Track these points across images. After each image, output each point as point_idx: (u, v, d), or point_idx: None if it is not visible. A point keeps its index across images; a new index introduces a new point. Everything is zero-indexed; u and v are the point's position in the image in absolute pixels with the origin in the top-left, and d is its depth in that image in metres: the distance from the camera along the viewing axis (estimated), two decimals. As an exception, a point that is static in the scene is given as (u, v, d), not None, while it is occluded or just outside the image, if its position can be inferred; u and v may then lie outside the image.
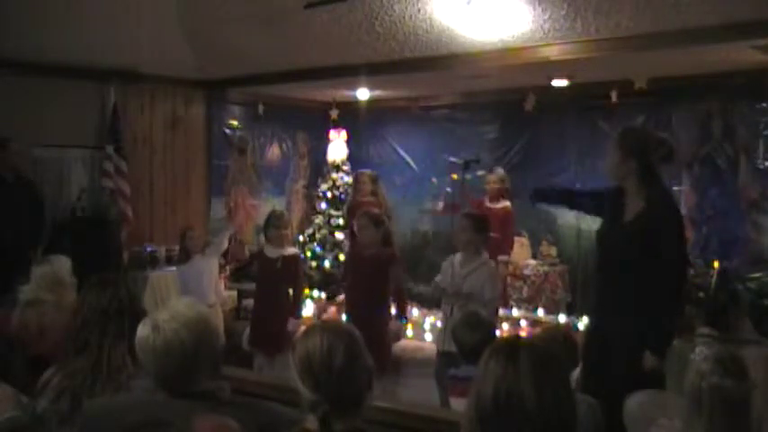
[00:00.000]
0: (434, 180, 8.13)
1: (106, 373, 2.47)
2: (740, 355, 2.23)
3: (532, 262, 7.19)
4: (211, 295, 5.86)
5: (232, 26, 6.41)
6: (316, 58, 6.55)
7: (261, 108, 8.21)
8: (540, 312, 6.38)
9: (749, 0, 4.45)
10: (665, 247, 3.36)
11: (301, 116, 8.84)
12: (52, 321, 3.12)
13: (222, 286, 6.63)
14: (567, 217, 7.26)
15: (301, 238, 8.39)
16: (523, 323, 6.07)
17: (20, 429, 2.30)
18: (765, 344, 4.18)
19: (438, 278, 4.65)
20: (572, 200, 4.18)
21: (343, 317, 5.16)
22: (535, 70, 6.03)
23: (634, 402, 2.68)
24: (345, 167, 8.46)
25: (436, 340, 4.78)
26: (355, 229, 5.22)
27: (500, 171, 6.71)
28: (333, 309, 6.13)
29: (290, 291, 5.31)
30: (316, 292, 7.36)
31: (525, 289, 6.99)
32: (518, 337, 1.70)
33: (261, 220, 6.45)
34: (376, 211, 5.47)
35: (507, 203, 6.59)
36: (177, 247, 6.99)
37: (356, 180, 7.28)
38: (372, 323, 4.51)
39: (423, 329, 5.92)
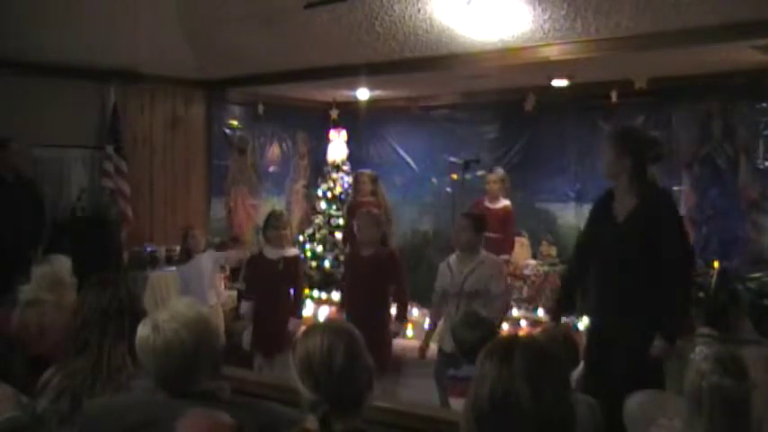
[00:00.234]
0: (434, 180, 8.14)
1: (106, 373, 2.47)
2: (740, 355, 2.23)
3: (532, 262, 7.18)
4: (212, 296, 5.86)
5: (232, 26, 6.41)
6: (316, 58, 6.55)
7: (261, 108, 8.20)
8: (540, 312, 6.38)
9: (749, 0, 4.45)
10: (666, 236, 3.39)
11: (301, 116, 8.84)
12: (52, 321, 3.12)
13: (222, 286, 6.63)
14: (567, 217, 7.27)
15: (301, 238, 8.39)
16: (523, 323, 6.08)
17: (20, 429, 2.30)
18: (765, 344, 4.18)
19: (437, 284, 4.63)
20: (576, 282, 4.04)
21: (344, 317, 5.15)
22: (535, 70, 6.03)
23: (634, 402, 2.68)
24: (345, 167, 8.46)
25: (438, 341, 4.76)
26: (355, 229, 5.22)
27: (500, 171, 6.73)
28: (333, 309, 6.14)
29: (291, 291, 5.31)
30: (316, 292, 7.37)
31: (525, 289, 6.98)
32: (515, 335, 1.68)
33: (261, 221, 6.45)
34: (376, 211, 5.47)
35: (507, 203, 6.62)
36: (177, 248, 6.99)
37: (356, 180, 7.28)
38: (372, 323, 4.51)
39: (423, 329, 5.92)
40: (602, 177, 3.80)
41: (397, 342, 5.26)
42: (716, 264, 5.86)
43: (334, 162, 8.48)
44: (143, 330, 2.07)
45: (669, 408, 2.43)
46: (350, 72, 6.59)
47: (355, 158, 8.63)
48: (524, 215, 7.09)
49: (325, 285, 7.61)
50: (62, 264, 3.90)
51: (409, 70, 6.27)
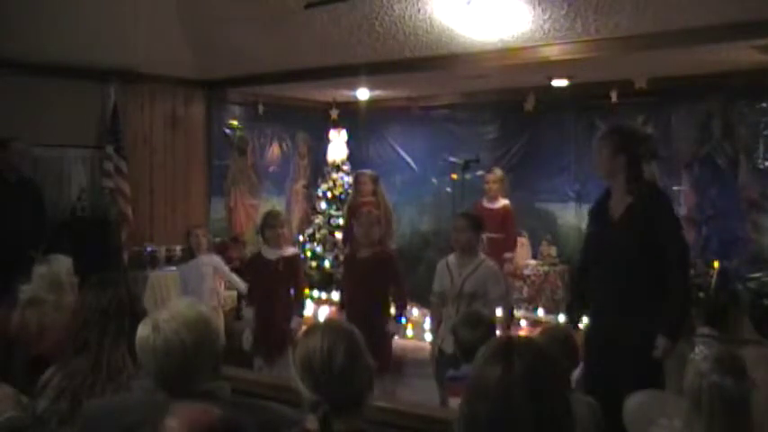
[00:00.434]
0: (434, 180, 8.13)
1: (106, 373, 2.47)
2: (740, 355, 2.23)
3: (532, 262, 7.19)
4: (213, 297, 5.84)
5: (232, 26, 6.41)
6: (316, 59, 6.55)
7: (261, 108, 8.20)
8: (540, 312, 6.40)
9: (749, 0, 4.45)
10: (662, 235, 3.39)
11: (301, 116, 8.84)
12: (52, 321, 3.12)
13: (222, 287, 6.62)
14: (568, 217, 7.27)
15: (301, 238, 8.39)
16: (523, 323, 6.08)
17: (20, 429, 2.30)
18: (765, 344, 4.18)
19: (435, 285, 4.62)
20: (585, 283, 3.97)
21: (343, 317, 5.15)
22: (535, 70, 6.03)
23: (634, 402, 2.68)
24: (345, 167, 8.46)
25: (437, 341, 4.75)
26: (355, 229, 5.22)
27: (498, 171, 6.77)
28: (333, 309, 6.14)
29: (291, 291, 5.30)
30: (316, 292, 7.37)
31: (525, 289, 6.99)
32: (514, 340, 1.65)
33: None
34: (375, 212, 5.48)
35: (506, 202, 6.66)
36: (178, 247, 7.01)
37: (357, 180, 7.28)
38: (372, 324, 4.50)
39: (423, 329, 5.92)
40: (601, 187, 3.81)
41: (398, 342, 5.26)
42: (716, 264, 5.87)
43: (334, 162, 8.48)
44: (143, 330, 2.07)
45: (669, 408, 2.43)
46: (350, 72, 6.59)
47: (355, 158, 8.64)
48: (524, 215, 7.09)
49: (325, 285, 7.61)
50: (62, 264, 3.90)
51: (409, 70, 6.27)
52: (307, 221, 8.71)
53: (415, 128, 8.59)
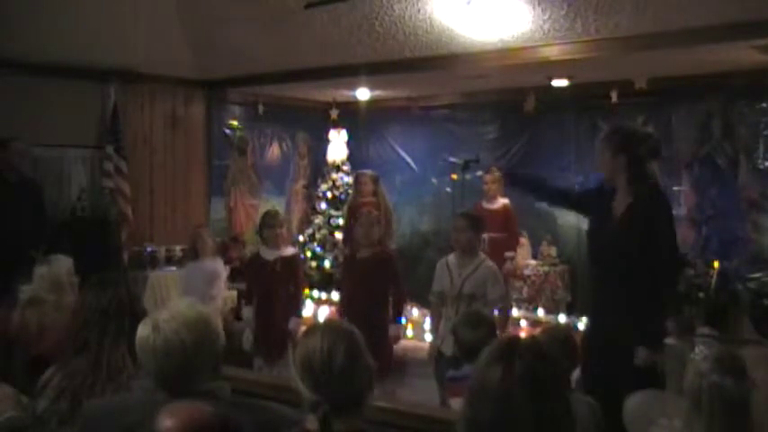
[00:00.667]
0: (434, 180, 8.13)
1: (106, 373, 2.47)
2: (740, 355, 2.23)
3: (532, 262, 7.19)
4: (218, 301, 5.82)
5: (232, 26, 6.41)
6: (316, 59, 6.55)
7: (261, 108, 8.21)
8: (540, 312, 6.40)
9: (749, 0, 4.45)
10: (653, 240, 3.38)
11: (301, 116, 8.84)
12: (52, 321, 3.12)
13: (222, 286, 6.61)
14: (567, 217, 7.25)
15: (301, 238, 8.39)
16: (523, 323, 6.08)
17: (20, 429, 2.30)
18: (765, 344, 4.18)
19: (435, 285, 4.61)
20: (542, 190, 4.22)
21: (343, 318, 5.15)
22: (535, 70, 6.03)
23: (634, 402, 2.68)
24: (345, 167, 8.47)
25: (437, 342, 4.74)
26: (355, 229, 5.21)
27: (496, 171, 6.75)
28: (333, 309, 6.14)
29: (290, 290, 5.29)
30: (316, 293, 7.37)
31: (525, 289, 6.99)
32: (516, 341, 1.65)
33: (260, 221, 6.44)
34: (375, 212, 5.48)
35: (506, 201, 6.66)
36: (178, 247, 7.01)
37: (357, 181, 7.28)
38: (373, 324, 4.50)
39: (423, 329, 5.92)
40: (602, 177, 3.81)
41: (398, 343, 5.26)
42: (716, 264, 5.87)
43: (334, 162, 8.48)
44: (143, 330, 2.07)
45: (669, 408, 2.43)
46: (350, 72, 6.60)
47: (355, 158, 8.64)
48: (524, 215, 7.09)
49: (325, 285, 7.61)
50: (62, 264, 3.90)
51: (409, 70, 6.27)
52: (307, 222, 8.71)
53: (415, 128, 8.59)
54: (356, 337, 1.91)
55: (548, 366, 1.56)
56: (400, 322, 5.18)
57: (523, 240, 7.30)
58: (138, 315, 2.37)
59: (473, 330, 3.30)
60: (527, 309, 6.56)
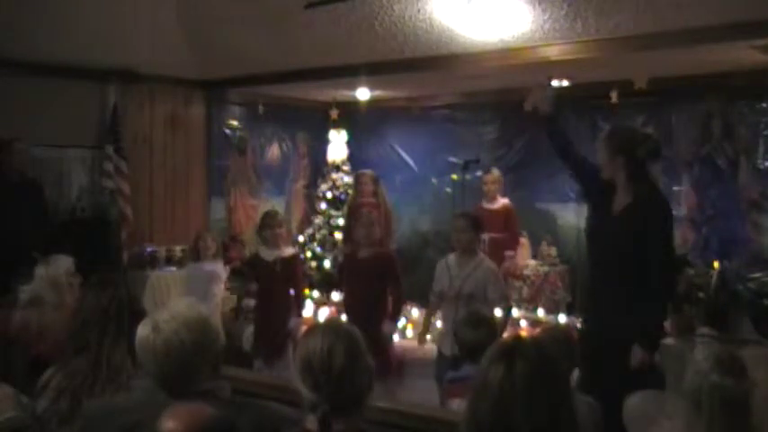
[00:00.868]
0: (434, 180, 8.12)
1: (106, 373, 2.48)
2: (740, 355, 2.23)
3: (532, 262, 7.18)
4: (218, 302, 5.82)
5: (232, 26, 6.40)
6: (316, 58, 6.55)
7: (261, 108, 8.20)
8: (540, 312, 6.39)
9: (749, 0, 4.45)
10: (651, 239, 3.39)
11: (301, 116, 8.83)
12: (52, 321, 3.13)
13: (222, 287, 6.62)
14: (568, 217, 7.26)
15: (301, 238, 8.38)
16: (523, 323, 6.08)
17: (20, 429, 2.30)
18: (765, 344, 4.18)
19: (435, 285, 4.61)
20: (571, 148, 4.15)
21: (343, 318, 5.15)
22: (535, 70, 6.02)
23: (634, 402, 2.68)
24: (345, 167, 8.46)
25: (437, 342, 4.74)
26: (355, 229, 5.22)
27: (495, 171, 6.78)
28: (333, 309, 6.14)
29: (290, 291, 5.30)
30: (316, 293, 7.37)
31: (525, 289, 6.98)
32: (518, 342, 1.66)
33: (260, 221, 6.43)
34: (375, 212, 5.49)
35: (506, 201, 6.67)
36: (178, 248, 7.00)
37: (358, 181, 7.28)
38: (372, 324, 4.51)
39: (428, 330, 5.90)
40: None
41: (398, 342, 5.26)
42: (716, 264, 5.86)
43: (334, 162, 8.48)
44: (143, 330, 2.07)
45: (669, 408, 2.43)
46: (350, 72, 6.59)
47: (355, 158, 8.63)
48: (524, 215, 7.09)
49: (325, 286, 7.61)
50: (62, 264, 3.91)
51: (409, 70, 6.27)
52: (306, 222, 8.71)
53: (415, 128, 8.58)
54: (356, 337, 1.91)
55: (548, 367, 1.56)
56: (397, 322, 5.18)
57: (523, 240, 7.29)
58: (138, 315, 2.37)
59: (474, 330, 3.30)
60: (527, 309, 6.55)
